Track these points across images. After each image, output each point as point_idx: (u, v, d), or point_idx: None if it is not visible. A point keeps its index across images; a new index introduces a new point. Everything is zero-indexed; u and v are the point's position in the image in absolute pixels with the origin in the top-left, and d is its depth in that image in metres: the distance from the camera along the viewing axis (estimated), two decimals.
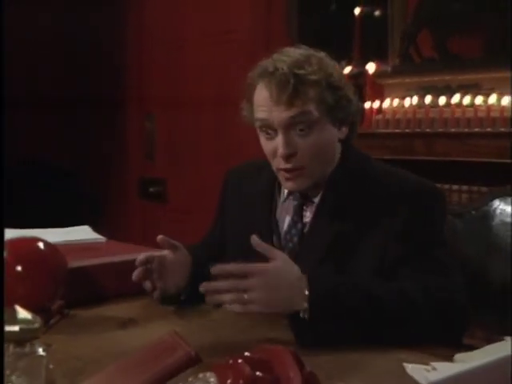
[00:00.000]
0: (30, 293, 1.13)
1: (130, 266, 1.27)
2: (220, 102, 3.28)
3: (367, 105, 2.73)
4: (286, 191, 1.31)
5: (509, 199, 1.49)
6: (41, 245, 1.21)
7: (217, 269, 1.03)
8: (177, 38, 3.68)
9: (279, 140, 1.21)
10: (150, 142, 3.89)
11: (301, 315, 1.05)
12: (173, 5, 3.71)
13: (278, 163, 1.24)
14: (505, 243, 1.46)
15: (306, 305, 1.04)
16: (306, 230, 1.28)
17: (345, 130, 1.27)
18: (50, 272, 1.19)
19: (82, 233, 1.67)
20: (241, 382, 0.68)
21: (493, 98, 2.42)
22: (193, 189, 3.63)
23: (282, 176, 1.26)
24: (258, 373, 0.69)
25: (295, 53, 1.24)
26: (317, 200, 1.27)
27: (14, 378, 0.83)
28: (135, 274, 1.26)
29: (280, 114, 1.19)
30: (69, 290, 1.23)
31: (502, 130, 2.37)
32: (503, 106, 2.39)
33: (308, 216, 1.29)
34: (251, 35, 3.31)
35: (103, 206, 3.94)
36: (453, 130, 2.49)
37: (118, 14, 3.94)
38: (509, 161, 2.31)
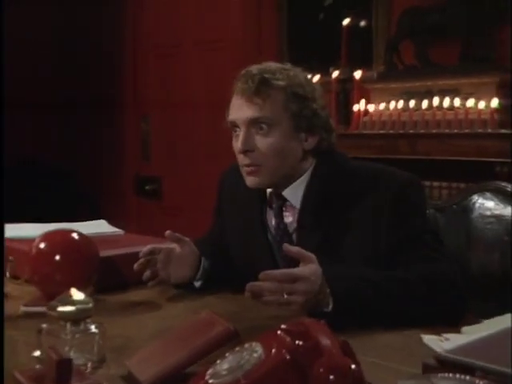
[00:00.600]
0: (67, 279, 1.21)
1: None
2: (212, 104, 3.32)
3: (355, 108, 2.86)
4: (268, 192, 1.39)
5: (487, 194, 1.57)
6: (76, 236, 1.31)
7: (265, 275, 1.06)
8: (171, 43, 3.73)
9: (240, 136, 1.30)
10: (145, 143, 3.93)
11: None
12: (168, 11, 3.75)
13: (239, 159, 1.33)
14: (483, 235, 1.55)
15: (330, 304, 1.11)
16: (289, 229, 1.36)
17: (311, 141, 1.32)
18: (85, 260, 1.29)
19: (101, 226, 1.76)
20: (283, 350, 0.72)
21: (471, 102, 2.55)
22: (187, 187, 3.67)
23: (244, 172, 1.33)
24: (297, 342, 0.72)
25: (274, 64, 1.35)
26: (295, 202, 1.34)
27: (71, 352, 0.93)
28: (137, 264, 1.34)
29: (244, 112, 1.29)
30: (98, 277, 1.32)
31: (480, 131, 2.50)
32: (480, 109, 2.55)
33: (288, 216, 1.36)
34: (243, 43, 3.39)
35: (101, 204, 3.93)
36: (434, 131, 2.60)
37: (117, 17, 3.94)
38: (485, 159, 2.46)
